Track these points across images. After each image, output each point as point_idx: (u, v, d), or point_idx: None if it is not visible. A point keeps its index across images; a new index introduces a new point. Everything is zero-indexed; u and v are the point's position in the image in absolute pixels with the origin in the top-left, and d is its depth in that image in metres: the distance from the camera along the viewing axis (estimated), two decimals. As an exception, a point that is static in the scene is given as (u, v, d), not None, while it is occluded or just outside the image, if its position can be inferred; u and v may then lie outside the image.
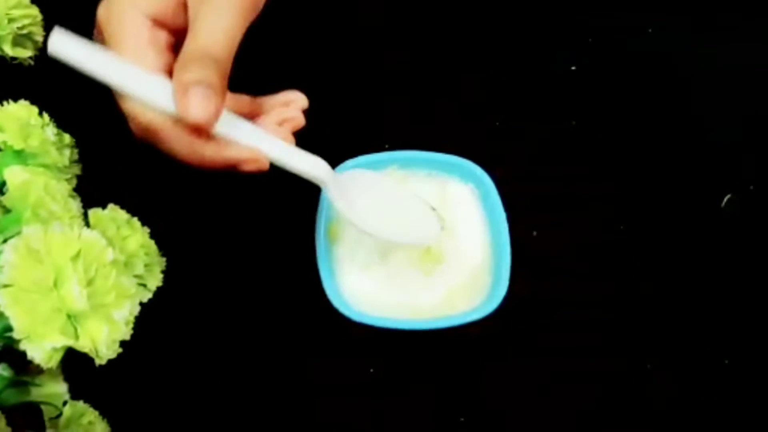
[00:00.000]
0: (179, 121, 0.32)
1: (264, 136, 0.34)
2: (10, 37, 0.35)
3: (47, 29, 0.37)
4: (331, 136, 0.45)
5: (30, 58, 0.37)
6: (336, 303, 0.39)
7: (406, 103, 0.48)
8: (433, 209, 0.41)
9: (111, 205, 0.31)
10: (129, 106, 0.33)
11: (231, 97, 0.34)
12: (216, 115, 0.31)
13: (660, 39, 0.51)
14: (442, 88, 0.49)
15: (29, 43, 0.37)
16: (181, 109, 0.31)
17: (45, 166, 0.31)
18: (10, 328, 0.24)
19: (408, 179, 0.43)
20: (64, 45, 0.30)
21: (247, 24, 0.33)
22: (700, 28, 0.51)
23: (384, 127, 0.47)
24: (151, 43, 0.33)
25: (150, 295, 0.31)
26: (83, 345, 0.24)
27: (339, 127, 0.46)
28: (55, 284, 0.24)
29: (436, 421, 0.41)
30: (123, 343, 0.25)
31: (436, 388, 0.42)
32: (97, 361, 0.24)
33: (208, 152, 0.33)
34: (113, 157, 0.42)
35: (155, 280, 0.32)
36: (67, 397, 0.31)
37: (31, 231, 0.24)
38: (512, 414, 0.41)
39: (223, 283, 0.43)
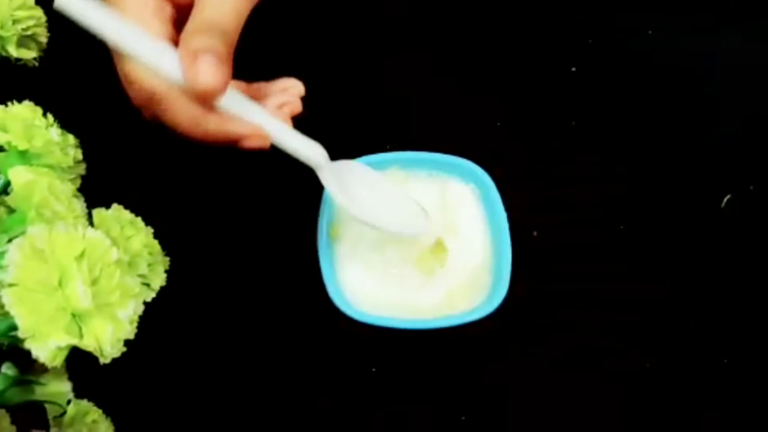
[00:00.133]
0: (184, 91, 0.31)
1: (265, 114, 0.34)
2: (15, 38, 0.35)
3: (51, 30, 0.37)
4: (332, 136, 0.45)
5: (34, 59, 0.37)
6: (337, 302, 0.39)
7: (406, 104, 0.48)
8: (423, 208, 0.41)
9: (115, 205, 0.31)
10: (131, 70, 0.32)
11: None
12: (224, 85, 0.31)
13: (660, 40, 0.51)
14: (442, 89, 0.49)
15: (33, 44, 0.37)
16: (190, 76, 0.30)
17: (49, 166, 0.31)
18: (14, 327, 0.24)
19: (409, 180, 0.43)
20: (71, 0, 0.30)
21: (254, 1, 0.33)
22: (700, 28, 0.51)
23: (385, 128, 0.47)
24: (156, 13, 0.32)
25: (153, 295, 0.31)
26: (88, 344, 0.24)
27: (340, 127, 0.46)
28: (60, 283, 0.24)
29: (436, 421, 0.41)
30: (127, 342, 0.25)
31: (436, 388, 0.42)
32: (102, 360, 0.24)
33: (211, 125, 0.32)
34: (117, 158, 0.43)
35: (159, 280, 0.32)
36: (71, 395, 0.31)
37: (35, 231, 0.24)
38: (512, 414, 0.41)
39: (226, 282, 0.43)
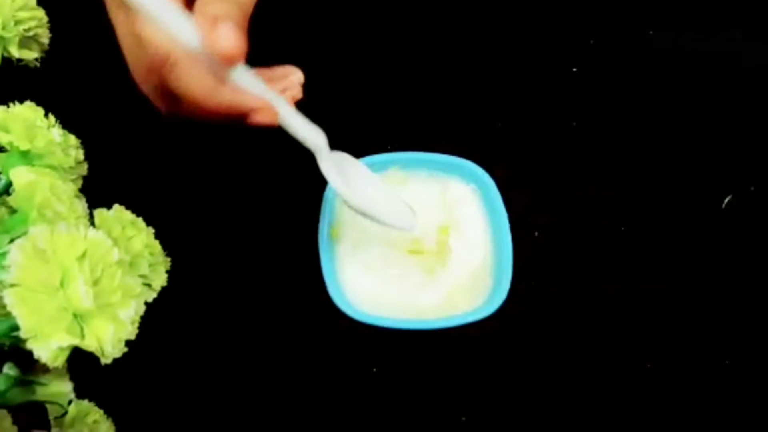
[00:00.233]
0: (200, 58, 0.31)
1: (274, 93, 0.34)
2: (17, 38, 0.35)
3: (53, 31, 0.37)
4: (332, 136, 0.45)
5: (36, 59, 0.37)
6: (338, 302, 0.39)
7: (407, 104, 0.48)
8: (412, 208, 0.41)
9: (116, 206, 0.31)
10: (149, 32, 0.31)
11: None
12: (243, 51, 0.31)
13: (661, 40, 0.51)
14: (442, 89, 0.49)
15: (35, 45, 0.37)
16: (210, 41, 0.30)
17: (51, 166, 0.31)
18: (16, 328, 0.24)
19: (409, 180, 0.43)
20: None
21: None
22: (701, 28, 0.51)
23: (385, 128, 0.47)
24: None
25: (155, 295, 0.31)
26: (89, 344, 0.24)
27: (340, 128, 0.46)
28: (62, 284, 0.24)
29: (436, 421, 0.41)
30: (128, 343, 0.25)
31: (437, 388, 0.42)
32: (103, 361, 0.25)
33: (223, 95, 0.32)
34: (118, 158, 0.43)
35: (160, 280, 0.32)
36: (72, 396, 0.31)
37: (37, 231, 0.24)
38: (513, 414, 0.41)
39: (227, 282, 0.43)
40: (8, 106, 0.31)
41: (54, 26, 0.37)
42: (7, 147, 0.31)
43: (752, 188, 0.46)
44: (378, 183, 0.40)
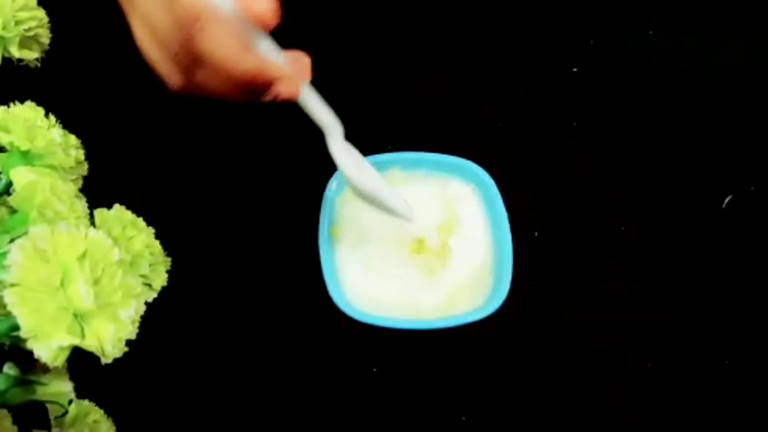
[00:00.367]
0: (231, 21, 0.31)
1: (294, 68, 0.34)
2: (17, 39, 0.35)
3: (53, 32, 0.37)
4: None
5: (36, 59, 0.37)
6: (338, 302, 0.39)
7: (407, 105, 0.48)
8: (410, 206, 0.41)
9: (116, 206, 0.31)
10: None
11: None
12: (277, 16, 0.31)
13: (661, 40, 0.51)
14: (442, 89, 0.49)
15: (36, 45, 0.37)
16: (245, 2, 0.30)
17: (51, 166, 0.31)
18: (16, 327, 0.24)
19: (409, 180, 0.43)
20: None
21: None
22: (701, 29, 0.51)
23: (385, 129, 0.47)
24: None
25: (155, 295, 0.31)
26: (89, 344, 0.24)
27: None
28: (62, 283, 0.24)
29: (437, 420, 0.41)
30: (128, 342, 0.25)
31: (437, 388, 0.42)
32: (103, 360, 0.24)
33: (250, 61, 0.32)
34: (119, 158, 0.43)
35: (160, 280, 0.32)
36: (72, 395, 0.31)
37: (37, 231, 0.24)
38: (512, 414, 0.41)
39: (227, 282, 0.43)
40: (9, 106, 0.31)
41: (54, 26, 0.37)
42: (8, 147, 0.31)
43: (752, 188, 0.46)
44: (380, 178, 0.40)
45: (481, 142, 0.47)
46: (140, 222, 0.32)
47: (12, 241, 0.27)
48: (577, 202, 0.46)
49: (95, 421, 0.32)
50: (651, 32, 0.51)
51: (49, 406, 0.31)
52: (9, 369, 0.30)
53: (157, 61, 0.33)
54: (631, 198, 0.46)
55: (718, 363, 0.42)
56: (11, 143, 0.30)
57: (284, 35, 0.51)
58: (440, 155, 0.44)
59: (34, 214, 0.27)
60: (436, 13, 0.51)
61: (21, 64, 0.37)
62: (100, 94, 0.48)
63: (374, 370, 0.42)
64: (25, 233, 0.24)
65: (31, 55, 0.37)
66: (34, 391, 0.31)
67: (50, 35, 0.38)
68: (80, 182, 0.34)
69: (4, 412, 0.30)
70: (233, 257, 0.44)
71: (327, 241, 0.41)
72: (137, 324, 0.26)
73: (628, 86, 0.49)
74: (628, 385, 0.42)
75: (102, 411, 0.33)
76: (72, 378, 0.32)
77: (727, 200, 0.46)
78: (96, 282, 0.24)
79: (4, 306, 0.23)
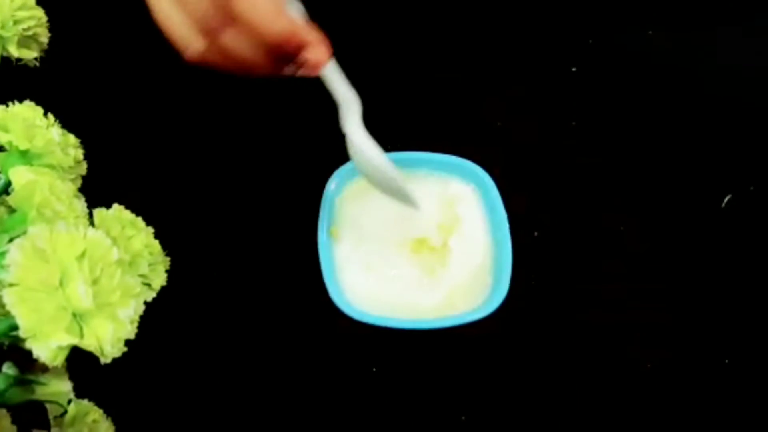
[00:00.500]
0: None
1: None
2: (16, 38, 0.35)
3: (52, 31, 0.37)
4: (333, 137, 0.45)
5: (35, 59, 0.37)
6: (338, 302, 0.39)
7: (407, 104, 0.48)
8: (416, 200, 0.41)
9: (115, 205, 0.31)
10: None
11: None
12: None
13: (660, 40, 0.51)
14: (442, 89, 0.49)
15: (34, 45, 0.37)
16: None
17: (50, 166, 0.31)
18: (15, 327, 0.24)
19: (409, 180, 0.43)
20: None
21: None
22: (700, 29, 0.51)
23: (385, 128, 0.47)
24: None
25: (154, 295, 0.31)
26: (88, 344, 0.24)
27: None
28: (61, 283, 0.24)
29: (437, 420, 0.41)
30: (127, 342, 0.25)
31: (437, 388, 0.42)
32: (102, 360, 0.24)
33: (284, 22, 0.31)
34: (118, 158, 0.43)
35: (159, 280, 0.32)
36: (71, 395, 0.31)
37: (36, 230, 0.24)
38: (513, 413, 0.41)
39: (226, 282, 0.43)
40: (7, 106, 0.31)
41: (53, 26, 0.37)
42: (7, 146, 0.31)
43: (752, 188, 0.46)
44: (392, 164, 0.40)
45: (481, 142, 0.47)
46: (139, 222, 0.32)
47: (11, 240, 0.27)
48: (577, 202, 0.46)
49: (94, 421, 0.32)
50: (650, 32, 0.51)
51: (48, 405, 0.31)
52: (8, 369, 0.30)
53: (177, 24, 0.32)
54: (631, 198, 0.46)
55: (718, 363, 0.42)
56: (10, 143, 0.30)
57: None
58: (440, 155, 0.44)
59: (33, 213, 0.27)
60: (436, 13, 0.51)
61: (20, 63, 0.37)
62: (99, 94, 0.48)
63: (374, 370, 0.42)
64: (24, 233, 0.24)
65: (30, 55, 0.37)
66: (33, 391, 0.31)
67: (49, 35, 0.38)
68: (79, 182, 0.34)
69: (3, 411, 0.30)
70: (233, 257, 0.44)
71: (326, 241, 0.41)
72: (136, 324, 0.26)
73: (627, 86, 0.49)
74: (628, 385, 0.42)
75: (101, 410, 0.33)
76: (71, 378, 0.32)
77: (726, 200, 0.46)
78: (95, 282, 0.24)
79: (3, 306, 0.23)
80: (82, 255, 0.24)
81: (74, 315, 0.24)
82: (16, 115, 0.31)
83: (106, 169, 0.36)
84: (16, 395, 0.30)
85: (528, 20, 0.51)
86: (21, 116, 0.31)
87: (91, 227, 0.26)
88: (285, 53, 0.32)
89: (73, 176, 0.33)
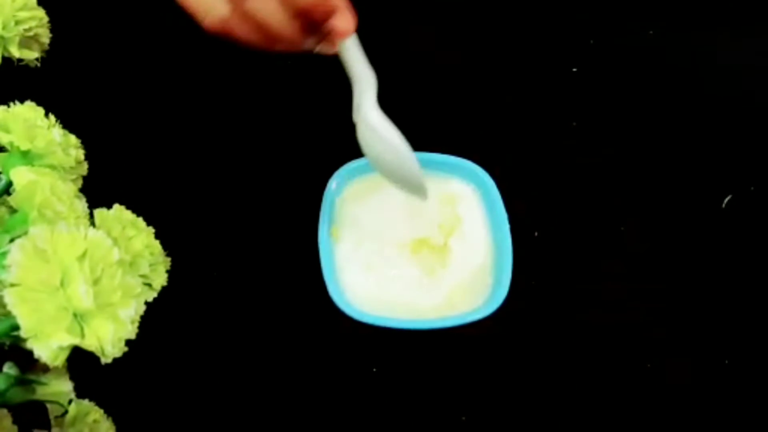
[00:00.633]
0: None
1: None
2: (17, 38, 0.35)
3: (53, 31, 0.37)
4: (333, 138, 0.45)
5: (36, 59, 0.37)
6: (338, 302, 0.39)
7: (407, 105, 0.48)
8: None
9: (116, 206, 0.31)
10: None
11: None
12: None
13: (660, 40, 0.51)
14: (443, 89, 0.49)
15: (35, 45, 0.37)
16: None
17: (51, 166, 0.31)
18: (16, 327, 0.24)
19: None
20: None
21: None
22: (701, 29, 0.51)
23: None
24: None
25: (155, 295, 0.31)
26: (89, 344, 0.24)
27: (342, 128, 0.46)
28: (62, 283, 0.24)
29: (437, 420, 0.41)
30: (128, 342, 0.25)
31: (437, 388, 0.42)
32: (103, 360, 0.24)
33: None
34: (118, 158, 0.43)
35: (160, 280, 0.32)
36: (72, 395, 0.31)
37: (37, 231, 0.24)
38: (513, 413, 0.41)
39: (227, 282, 0.43)
40: (9, 106, 0.31)
41: (54, 26, 0.37)
42: (8, 147, 0.31)
43: (752, 188, 0.46)
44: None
45: (481, 142, 0.47)
46: (140, 222, 0.32)
47: (12, 240, 0.27)
48: (577, 202, 0.46)
49: (95, 421, 0.32)
50: (651, 32, 0.51)
51: (49, 405, 0.31)
52: (9, 369, 0.30)
53: None
54: (631, 198, 0.46)
55: (718, 363, 0.42)
56: (11, 143, 0.30)
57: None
58: (440, 155, 0.44)
59: (34, 213, 0.27)
60: (436, 14, 0.51)
61: (21, 63, 0.37)
62: (100, 94, 0.48)
63: (374, 370, 0.42)
64: (25, 233, 0.24)
65: (31, 55, 0.37)
66: (34, 391, 0.31)
67: (50, 35, 0.38)
68: (80, 182, 0.34)
69: (4, 411, 0.30)
70: (233, 257, 0.44)
71: (327, 241, 0.41)
72: (137, 324, 0.26)
73: (628, 86, 0.49)
74: (628, 384, 0.42)
75: (102, 411, 0.33)
76: (72, 378, 0.32)
77: (726, 200, 0.46)
78: (96, 282, 0.24)
79: (4, 306, 0.23)
80: (83, 255, 0.24)
81: (75, 315, 0.24)
82: (18, 115, 0.31)
83: (107, 169, 0.36)
84: (17, 395, 0.30)
85: (529, 20, 0.51)
86: (22, 117, 0.31)
87: (91, 227, 0.26)
88: (313, 19, 0.31)
89: (74, 176, 0.33)
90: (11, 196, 0.29)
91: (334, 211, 0.42)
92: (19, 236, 0.25)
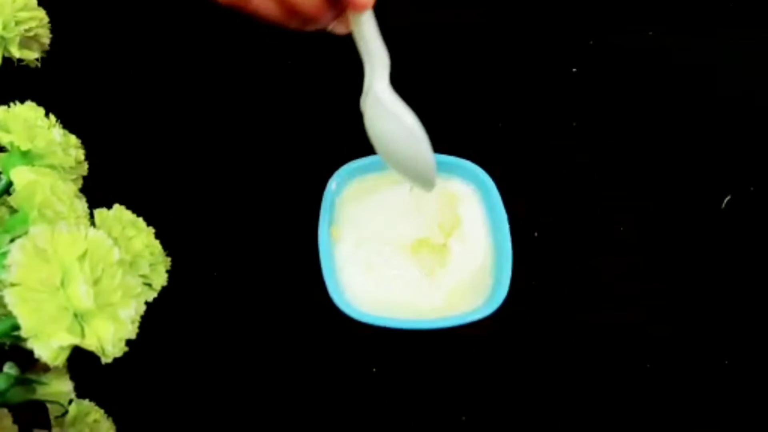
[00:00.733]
0: None
1: None
2: (17, 39, 0.35)
3: (53, 32, 0.37)
4: (334, 138, 0.45)
5: (36, 59, 0.37)
6: (338, 303, 0.39)
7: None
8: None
9: (116, 206, 0.31)
10: None
11: None
12: None
13: (660, 41, 0.51)
14: (443, 89, 0.49)
15: (36, 45, 0.37)
16: None
17: (51, 166, 0.31)
18: (17, 327, 0.24)
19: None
20: None
21: None
22: (700, 30, 0.51)
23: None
24: None
25: (155, 295, 0.31)
26: (90, 343, 0.24)
27: (342, 129, 0.46)
28: (62, 283, 0.24)
29: (437, 421, 0.41)
30: (128, 342, 0.25)
31: (437, 388, 0.42)
32: (103, 360, 0.24)
33: None
34: (119, 158, 0.43)
35: (160, 280, 0.32)
36: (72, 395, 0.31)
37: (38, 231, 0.24)
38: (513, 414, 0.41)
39: (227, 282, 0.43)
40: (9, 106, 0.31)
41: (54, 26, 0.37)
42: (8, 147, 0.31)
43: (752, 188, 0.46)
44: None
45: (481, 142, 0.47)
46: (140, 222, 0.32)
47: (12, 240, 0.27)
48: (577, 202, 0.46)
49: (95, 421, 0.32)
50: (650, 33, 0.51)
51: (49, 405, 0.31)
52: (9, 368, 0.30)
53: None
54: (631, 198, 0.46)
55: (718, 363, 0.42)
56: (11, 143, 0.30)
57: (287, 33, 0.51)
58: (440, 155, 0.43)
59: (34, 213, 0.27)
60: (436, 14, 0.51)
61: (21, 64, 0.37)
62: (100, 94, 0.48)
63: (374, 370, 0.42)
64: (26, 233, 0.24)
65: (32, 55, 0.37)
66: (34, 391, 0.31)
67: (50, 35, 0.38)
68: (80, 182, 0.34)
69: (5, 411, 0.30)
70: (233, 257, 0.44)
71: (327, 241, 0.41)
72: (137, 324, 0.26)
73: (627, 87, 0.50)
74: (628, 385, 0.42)
75: (102, 411, 0.33)
76: (72, 378, 0.32)
77: (726, 200, 0.46)
78: (96, 282, 0.24)
79: (5, 306, 0.23)
80: (84, 255, 0.24)
81: (75, 315, 0.24)
82: (18, 115, 0.31)
83: (107, 169, 0.36)
84: (18, 395, 0.30)
85: (529, 21, 0.51)
86: (22, 117, 0.31)
87: (92, 227, 0.26)
88: None
89: (74, 176, 0.33)
90: (11, 196, 0.29)
91: (334, 212, 0.42)
92: (19, 236, 0.25)
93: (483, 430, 0.41)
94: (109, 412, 0.33)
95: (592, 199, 0.46)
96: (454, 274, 0.41)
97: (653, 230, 0.45)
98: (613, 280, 0.44)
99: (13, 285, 0.23)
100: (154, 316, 0.29)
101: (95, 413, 0.32)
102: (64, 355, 0.24)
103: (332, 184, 0.43)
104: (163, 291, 0.32)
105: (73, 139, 0.34)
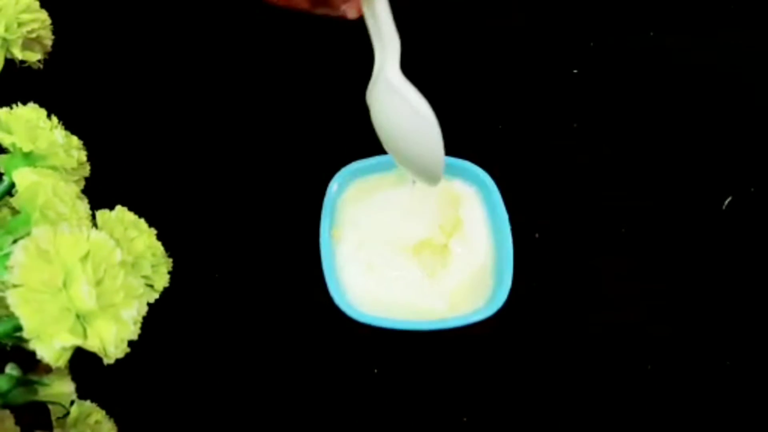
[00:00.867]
0: None
1: None
2: (20, 40, 0.35)
3: (56, 33, 0.37)
4: (335, 138, 0.45)
5: (39, 61, 0.37)
6: (339, 303, 0.39)
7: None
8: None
9: (118, 207, 0.31)
10: None
11: None
12: None
13: (661, 42, 0.51)
14: (443, 90, 0.49)
15: (38, 47, 0.37)
16: None
17: (53, 168, 0.31)
18: (19, 328, 0.24)
19: (409, 181, 0.43)
20: None
21: None
22: (701, 30, 0.51)
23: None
24: None
25: (157, 296, 0.31)
26: (92, 344, 0.24)
27: (343, 129, 0.46)
28: (65, 284, 0.24)
29: (438, 421, 0.41)
30: (130, 343, 0.25)
31: (438, 389, 0.42)
32: (105, 361, 0.25)
33: None
34: (121, 159, 0.43)
35: (162, 281, 0.32)
36: (74, 396, 0.31)
37: (40, 232, 0.24)
38: (514, 414, 0.41)
39: (228, 283, 0.43)
40: (11, 108, 0.32)
41: (57, 28, 0.37)
42: (10, 148, 0.31)
43: (752, 189, 0.46)
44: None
45: (481, 142, 0.47)
46: (142, 223, 0.32)
47: (15, 242, 0.27)
48: (577, 202, 0.46)
49: (97, 422, 0.32)
50: (651, 33, 0.51)
51: (51, 406, 0.31)
52: (11, 370, 0.30)
53: None
54: (631, 198, 0.46)
55: (718, 364, 0.42)
56: (13, 144, 0.31)
57: (288, 34, 0.51)
58: (441, 156, 0.44)
59: (36, 215, 0.27)
60: (436, 14, 0.51)
61: (23, 65, 0.37)
62: (102, 96, 0.48)
63: (375, 371, 0.42)
64: (28, 234, 0.24)
65: (34, 57, 0.37)
66: (36, 392, 0.31)
67: (52, 37, 0.38)
68: (82, 183, 0.34)
69: (6, 412, 0.30)
70: (234, 258, 0.44)
71: (328, 242, 0.41)
72: (139, 324, 0.26)
73: (628, 88, 0.50)
74: (628, 385, 0.42)
75: (104, 412, 0.33)
76: (74, 379, 0.32)
77: (727, 201, 0.46)
78: (98, 283, 0.24)
79: (7, 307, 0.23)
80: (86, 256, 0.24)
81: (78, 316, 0.24)
82: (20, 116, 0.31)
83: (109, 170, 0.36)
84: (19, 396, 0.30)
85: (529, 22, 0.51)
86: (24, 118, 0.31)
87: (94, 229, 0.26)
88: None
89: (76, 178, 0.33)
90: (14, 198, 0.29)
91: (336, 213, 0.42)
92: (21, 237, 0.25)
93: (484, 431, 0.41)
94: (111, 413, 0.33)
95: (593, 200, 0.46)
96: (455, 275, 0.41)
97: (654, 231, 0.45)
98: (613, 281, 0.44)
99: (15, 286, 0.23)
100: (156, 317, 0.29)
101: (97, 414, 0.32)
102: (66, 356, 0.24)
103: (333, 185, 0.43)
104: (165, 292, 0.32)
105: (75, 140, 0.34)
